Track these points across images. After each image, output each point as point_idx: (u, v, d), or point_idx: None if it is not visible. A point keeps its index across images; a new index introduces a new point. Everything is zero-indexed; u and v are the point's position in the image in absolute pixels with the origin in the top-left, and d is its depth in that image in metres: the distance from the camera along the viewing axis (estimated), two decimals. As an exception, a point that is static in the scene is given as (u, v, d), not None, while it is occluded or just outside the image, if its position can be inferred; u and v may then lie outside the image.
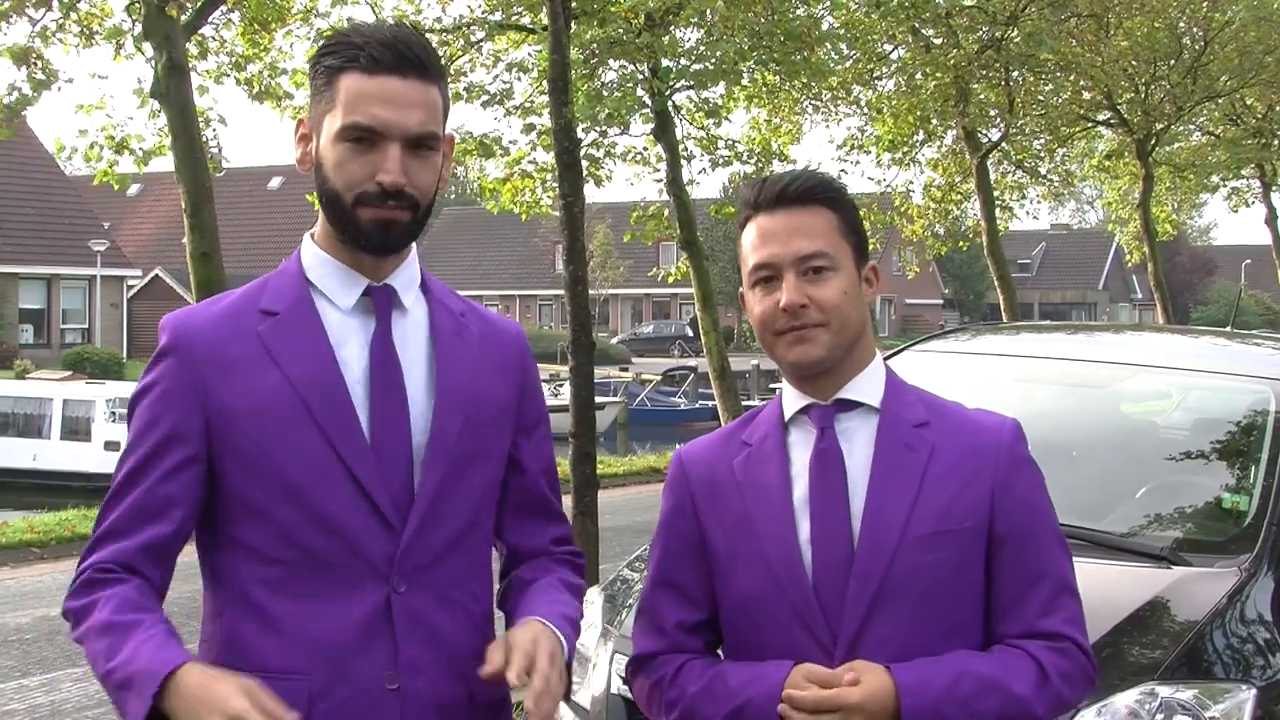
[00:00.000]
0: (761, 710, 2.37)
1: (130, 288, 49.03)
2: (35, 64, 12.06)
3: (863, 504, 2.40)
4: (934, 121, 20.95)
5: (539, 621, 2.39)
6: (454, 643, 2.39)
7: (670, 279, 19.96)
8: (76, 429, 25.42)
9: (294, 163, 2.50)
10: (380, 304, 2.41)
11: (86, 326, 46.37)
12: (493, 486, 2.49)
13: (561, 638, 2.39)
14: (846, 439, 2.45)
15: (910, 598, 2.36)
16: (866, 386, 2.47)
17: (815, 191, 2.43)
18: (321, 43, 2.47)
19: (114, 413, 24.59)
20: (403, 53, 2.33)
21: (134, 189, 55.02)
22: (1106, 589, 4.04)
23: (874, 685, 2.30)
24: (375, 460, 2.33)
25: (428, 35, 16.36)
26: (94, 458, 23.80)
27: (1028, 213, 71.34)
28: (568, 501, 7.63)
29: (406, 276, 2.45)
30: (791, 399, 2.51)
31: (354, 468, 2.32)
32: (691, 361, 47.73)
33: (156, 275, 51.04)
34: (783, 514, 2.43)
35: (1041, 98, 21.80)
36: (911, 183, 23.28)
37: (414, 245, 2.49)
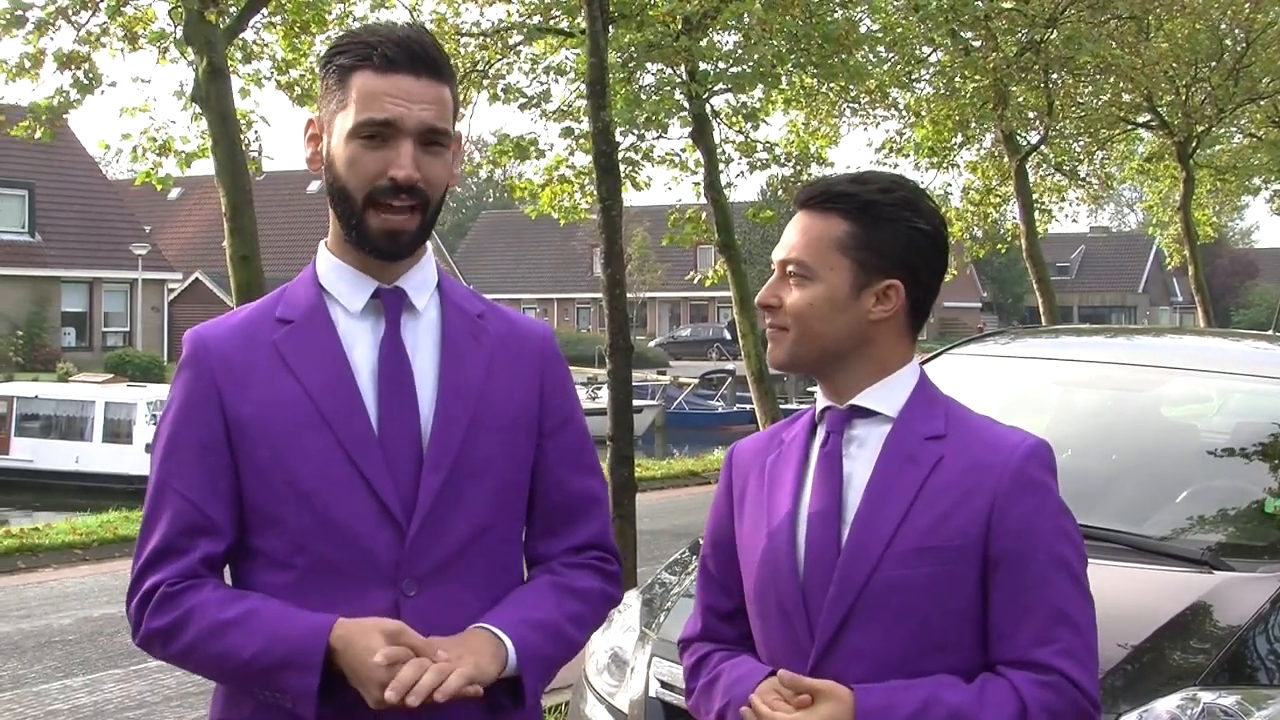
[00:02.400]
0: (737, 714, 2.39)
1: (171, 291, 49.31)
2: (80, 68, 12.15)
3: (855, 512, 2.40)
4: (973, 124, 20.86)
5: (477, 628, 2.34)
6: None
7: (708, 282, 19.95)
8: (118, 431, 25.61)
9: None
10: (390, 306, 2.41)
11: (128, 330, 46.65)
12: (513, 490, 2.47)
13: (505, 640, 2.33)
14: (858, 446, 2.45)
15: (889, 610, 2.34)
16: (885, 395, 2.46)
17: (834, 201, 2.45)
18: (332, 42, 2.47)
19: (155, 415, 24.70)
20: (416, 52, 2.34)
21: (175, 192, 55.36)
22: (1148, 594, 4.03)
23: (831, 714, 2.28)
24: (385, 462, 2.34)
25: (466, 39, 16.44)
26: (136, 460, 23.95)
27: (1067, 215, 71.27)
28: (606, 504, 7.61)
29: (419, 279, 2.45)
30: (820, 401, 2.53)
31: (365, 470, 2.32)
32: (729, 365, 47.67)
33: (197, 278, 51.35)
34: (788, 513, 2.44)
35: (1081, 100, 21.68)
36: (950, 185, 23.22)
37: (429, 247, 2.50)
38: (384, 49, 2.33)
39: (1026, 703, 2.28)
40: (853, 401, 2.46)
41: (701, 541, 2.71)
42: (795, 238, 2.46)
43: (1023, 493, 2.35)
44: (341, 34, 2.49)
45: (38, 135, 12.64)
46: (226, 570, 2.43)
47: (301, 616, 2.26)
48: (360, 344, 2.40)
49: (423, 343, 2.43)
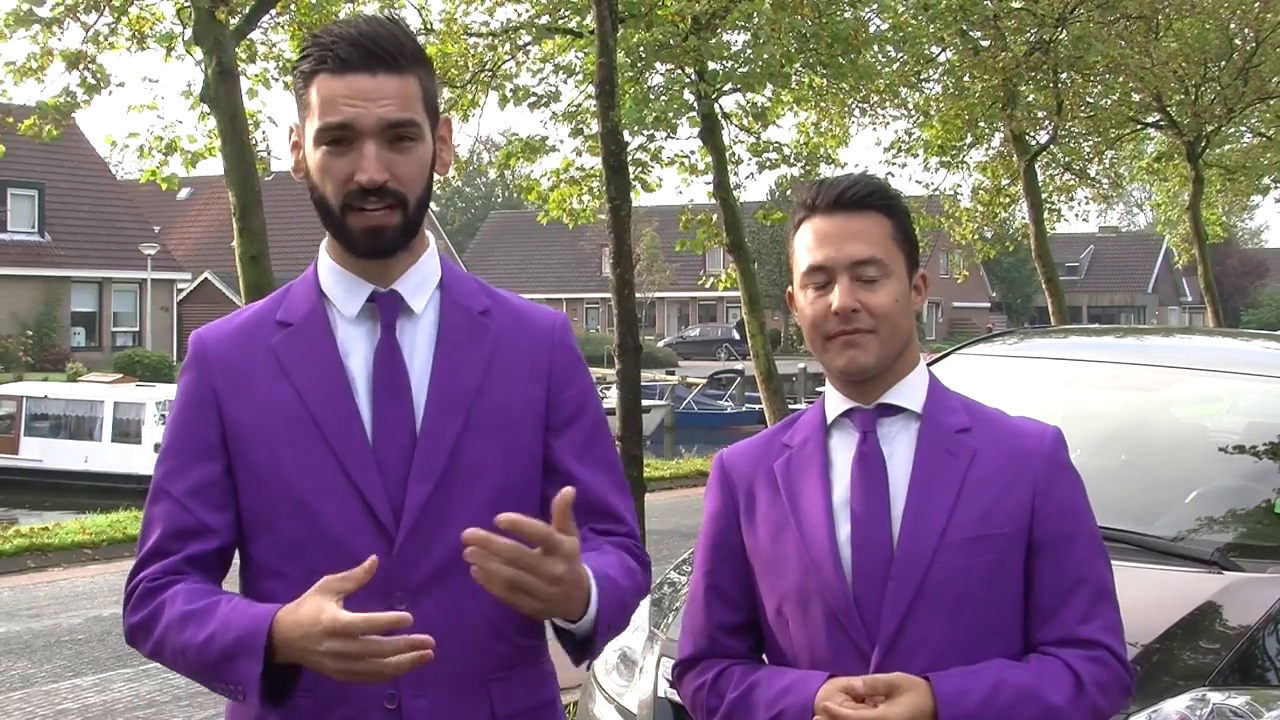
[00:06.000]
0: None
1: (180, 291, 49.36)
2: (87, 68, 12.18)
3: (902, 507, 2.41)
4: (982, 124, 20.88)
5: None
6: (467, 657, 2.31)
7: (721, 286, 19.96)
8: (127, 431, 25.64)
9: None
10: (385, 311, 2.36)
11: (137, 329, 46.72)
12: (516, 491, 2.38)
13: (593, 583, 2.23)
14: (888, 443, 2.46)
15: (948, 601, 2.37)
16: (910, 392, 2.48)
17: (873, 197, 2.45)
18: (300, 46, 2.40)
19: (164, 415, 24.76)
20: (370, 49, 2.26)
21: (184, 192, 55.37)
22: (1157, 594, 4.02)
23: (914, 703, 2.29)
24: (378, 473, 2.30)
25: (474, 39, 16.43)
26: (145, 459, 23.94)
27: (1076, 215, 71.13)
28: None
29: (417, 279, 2.39)
30: (835, 402, 2.51)
31: (358, 482, 2.29)
32: (738, 364, 47.66)
33: (206, 279, 51.40)
34: (822, 516, 2.43)
35: (1090, 100, 21.66)
36: (959, 185, 23.22)
37: (432, 242, 2.45)
38: (338, 49, 2.26)
39: (1081, 678, 2.36)
40: (883, 399, 2.47)
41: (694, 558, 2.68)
42: (856, 238, 2.43)
43: (1060, 477, 2.45)
44: (307, 37, 2.43)
45: (44, 134, 12.67)
46: (237, 578, 2.41)
47: (254, 606, 2.22)
48: (356, 351, 2.36)
49: (420, 347, 2.37)
